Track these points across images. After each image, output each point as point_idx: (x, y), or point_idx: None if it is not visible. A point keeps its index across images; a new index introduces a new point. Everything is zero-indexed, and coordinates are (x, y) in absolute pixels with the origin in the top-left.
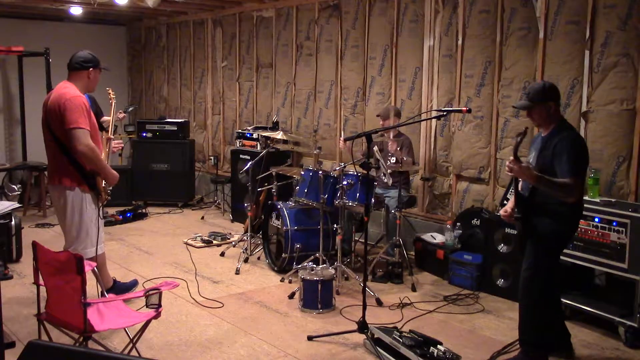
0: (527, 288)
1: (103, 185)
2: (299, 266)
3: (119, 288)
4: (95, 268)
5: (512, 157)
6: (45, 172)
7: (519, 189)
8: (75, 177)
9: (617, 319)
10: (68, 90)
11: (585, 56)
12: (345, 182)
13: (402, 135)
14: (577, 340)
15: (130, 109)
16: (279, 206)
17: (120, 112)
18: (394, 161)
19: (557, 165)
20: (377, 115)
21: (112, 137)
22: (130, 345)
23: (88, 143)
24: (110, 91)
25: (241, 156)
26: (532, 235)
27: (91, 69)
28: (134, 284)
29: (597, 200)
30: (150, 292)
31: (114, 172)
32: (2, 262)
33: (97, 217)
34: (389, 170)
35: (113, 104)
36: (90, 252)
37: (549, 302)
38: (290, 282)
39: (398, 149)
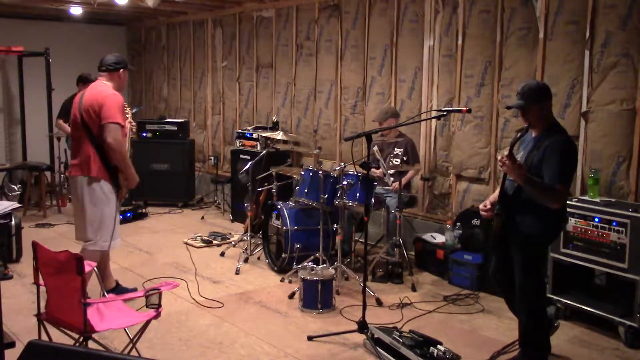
0: (524, 293)
1: (124, 182)
2: (299, 266)
3: (120, 291)
4: (95, 268)
5: (506, 153)
6: (45, 172)
7: (505, 186)
8: (103, 170)
9: (617, 319)
10: (107, 88)
11: (585, 56)
12: (345, 182)
13: (403, 137)
14: (577, 341)
15: (135, 110)
16: (279, 206)
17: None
18: (397, 162)
19: (546, 169)
20: (373, 120)
21: None
22: (130, 345)
23: (117, 137)
24: (125, 106)
25: (241, 156)
26: (515, 236)
27: (121, 70)
28: (134, 291)
29: (597, 200)
30: (150, 292)
31: (136, 174)
32: (2, 262)
33: (116, 212)
34: (390, 171)
35: (129, 117)
36: (105, 246)
37: (545, 301)
38: (290, 282)
39: (399, 181)
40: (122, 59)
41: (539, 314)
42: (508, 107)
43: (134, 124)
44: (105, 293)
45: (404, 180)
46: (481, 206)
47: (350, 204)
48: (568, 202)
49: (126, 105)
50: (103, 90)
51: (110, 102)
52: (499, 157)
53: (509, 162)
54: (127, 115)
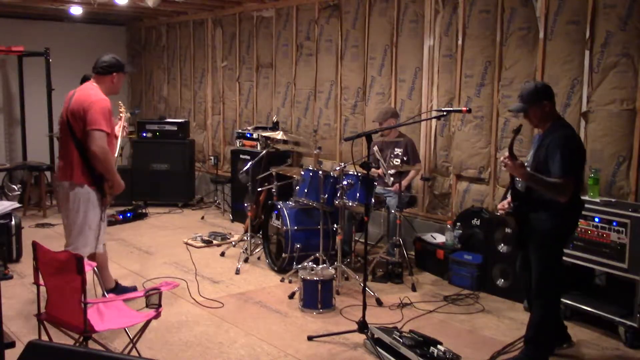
0: (539, 289)
1: (109, 190)
2: (299, 266)
3: (120, 290)
4: (95, 268)
5: (506, 154)
6: (45, 172)
7: (517, 185)
8: (86, 175)
9: (617, 319)
10: (94, 92)
11: (585, 56)
12: (345, 182)
13: (404, 137)
14: (577, 340)
15: (135, 112)
16: (279, 206)
17: (126, 128)
18: (397, 162)
19: (550, 164)
20: (373, 121)
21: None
22: (130, 345)
23: (102, 145)
24: (121, 105)
25: (241, 156)
26: (530, 233)
27: (114, 73)
28: (134, 289)
29: (597, 200)
30: (150, 292)
31: (122, 181)
32: (2, 262)
33: (99, 219)
34: (390, 171)
35: (123, 117)
36: (90, 250)
37: (559, 301)
38: (290, 282)
39: (400, 181)
40: (116, 62)
41: (550, 313)
42: (510, 110)
43: (127, 126)
44: (106, 293)
45: (405, 181)
46: (499, 205)
47: (350, 204)
48: None
49: (122, 106)
50: (90, 95)
51: (96, 108)
52: (500, 159)
53: (510, 162)
54: (121, 115)
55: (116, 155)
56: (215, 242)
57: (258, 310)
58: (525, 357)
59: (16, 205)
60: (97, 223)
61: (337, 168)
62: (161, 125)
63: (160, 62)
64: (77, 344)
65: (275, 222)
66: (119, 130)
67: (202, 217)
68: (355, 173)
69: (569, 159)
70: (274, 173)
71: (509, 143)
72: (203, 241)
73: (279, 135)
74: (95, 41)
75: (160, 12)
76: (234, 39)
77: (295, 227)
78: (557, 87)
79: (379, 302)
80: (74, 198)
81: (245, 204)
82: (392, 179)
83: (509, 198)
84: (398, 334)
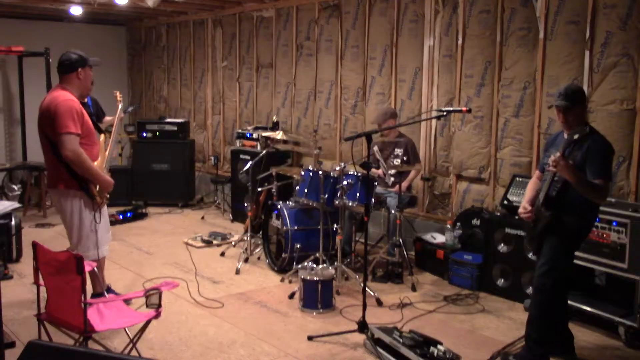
0: (542, 283)
1: (97, 189)
2: (299, 266)
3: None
4: (95, 268)
5: (559, 154)
6: (46, 172)
7: (552, 193)
8: (70, 181)
9: (617, 319)
10: (60, 94)
11: (585, 56)
12: (345, 182)
13: (404, 137)
14: (577, 340)
15: (130, 108)
16: (279, 206)
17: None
18: (397, 162)
19: (590, 167)
20: (372, 123)
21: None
22: (130, 345)
23: (74, 149)
24: (117, 94)
25: (241, 156)
26: (554, 232)
27: (79, 69)
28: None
29: None
30: (150, 292)
31: (107, 177)
32: (2, 262)
33: (92, 221)
34: (390, 171)
35: (120, 106)
36: (92, 255)
37: (561, 299)
38: (290, 282)
39: (403, 182)
40: (78, 58)
41: (550, 308)
42: (554, 105)
43: (123, 116)
44: (105, 293)
45: (405, 183)
46: (520, 209)
47: (350, 204)
48: None
49: (119, 95)
50: (55, 97)
51: (61, 110)
52: (550, 160)
53: (564, 162)
54: (119, 104)
55: (107, 152)
56: (215, 242)
57: (258, 310)
58: (526, 354)
59: (16, 205)
60: (93, 226)
61: (337, 168)
62: (161, 125)
63: (160, 62)
64: (77, 344)
65: (275, 222)
66: (111, 119)
67: (202, 217)
68: (355, 173)
69: (609, 164)
70: (274, 173)
71: (565, 143)
72: (203, 241)
73: (279, 135)
74: (95, 41)
75: (160, 12)
76: (234, 39)
77: (295, 227)
78: (557, 87)
79: (379, 302)
80: (64, 205)
81: (245, 204)
82: (392, 179)
83: (526, 201)
84: (398, 334)
